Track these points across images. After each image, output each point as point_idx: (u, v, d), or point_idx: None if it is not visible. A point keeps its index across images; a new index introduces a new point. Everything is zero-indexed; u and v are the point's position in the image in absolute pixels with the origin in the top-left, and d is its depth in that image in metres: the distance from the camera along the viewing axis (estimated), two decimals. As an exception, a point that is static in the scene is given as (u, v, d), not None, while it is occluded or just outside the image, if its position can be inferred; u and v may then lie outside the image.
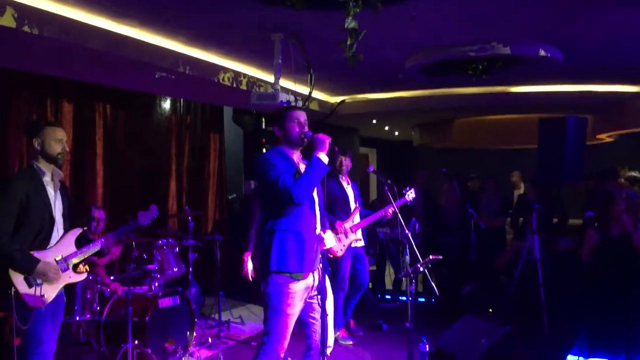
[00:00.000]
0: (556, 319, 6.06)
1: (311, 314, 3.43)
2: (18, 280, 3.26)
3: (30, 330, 3.29)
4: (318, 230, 3.45)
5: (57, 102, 5.95)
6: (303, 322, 3.44)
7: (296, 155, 3.45)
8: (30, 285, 3.28)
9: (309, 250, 3.33)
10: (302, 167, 3.41)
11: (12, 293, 3.23)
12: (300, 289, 3.31)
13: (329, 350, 3.44)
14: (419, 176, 7.50)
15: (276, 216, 3.31)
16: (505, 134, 10.31)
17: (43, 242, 3.37)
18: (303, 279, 3.32)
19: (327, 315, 3.44)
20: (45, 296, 3.35)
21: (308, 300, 3.40)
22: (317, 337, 3.42)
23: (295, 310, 3.31)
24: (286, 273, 3.26)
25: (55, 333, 3.48)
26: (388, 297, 7.61)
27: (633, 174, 7.08)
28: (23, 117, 5.61)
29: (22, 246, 3.29)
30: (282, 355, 3.32)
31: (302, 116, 3.44)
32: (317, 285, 3.42)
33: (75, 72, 5.59)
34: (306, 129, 3.42)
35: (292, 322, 3.31)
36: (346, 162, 5.78)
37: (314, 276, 3.40)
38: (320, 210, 3.49)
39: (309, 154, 3.36)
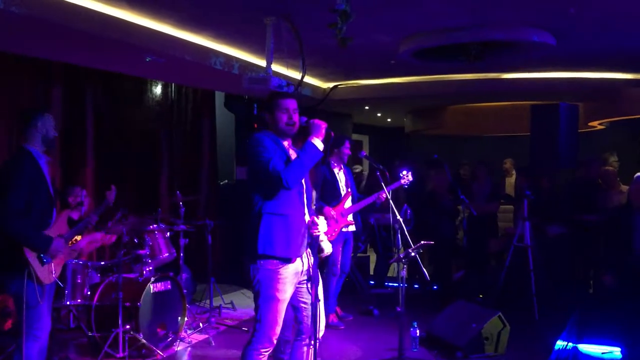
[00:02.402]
0: (546, 304, 6.10)
1: (301, 299, 3.43)
2: (32, 258, 3.46)
3: (34, 307, 3.47)
4: (306, 216, 3.44)
5: (47, 86, 5.89)
6: (294, 308, 3.45)
7: (287, 142, 3.43)
8: (42, 263, 3.51)
9: (296, 234, 3.32)
10: (292, 153, 3.40)
11: (30, 271, 3.43)
12: (290, 274, 3.30)
13: (320, 334, 3.45)
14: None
15: (264, 199, 3.29)
16: (498, 121, 10.31)
17: (46, 222, 3.59)
18: (291, 263, 3.31)
19: (319, 301, 3.45)
20: (54, 272, 3.60)
21: (298, 285, 3.40)
22: (308, 321, 3.42)
23: (286, 295, 3.31)
24: (273, 257, 3.25)
25: (50, 310, 3.68)
26: (372, 282, 7.63)
27: None
28: (12, 100, 5.54)
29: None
30: (275, 340, 3.32)
31: (292, 104, 3.40)
32: (307, 270, 3.42)
33: (64, 54, 5.52)
34: (296, 116, 3.38)
35: (283, 308, 3.31)
36: (347, 151, 5.78)
37: (302, 261, 3.40)
38: (307, 195, 3.48)
39: (303, 140, 3.33)
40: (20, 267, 3.43)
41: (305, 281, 3.42)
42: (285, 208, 3.29)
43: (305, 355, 3.47)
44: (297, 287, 3.40)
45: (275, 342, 3.32)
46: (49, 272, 3.55)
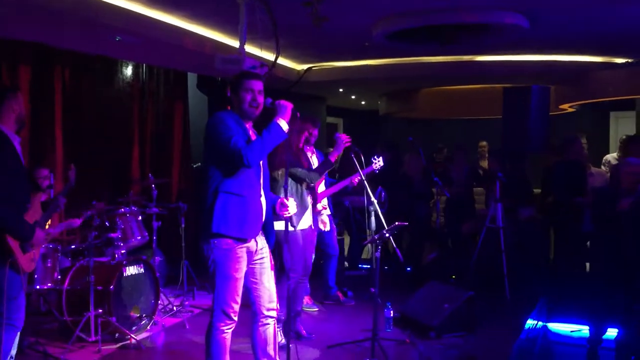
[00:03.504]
0: (516, 285, 6.21)
1: (252, 279, 3.43)
2: (15, 247, 3.32)
3: (16, 298, 3.35)
4: (262, 197, 3.45)
5: (14, 66, 5.72)
6: (246, 288, 3.43)
7: (248, 125, 3.41)
8: (24, 251, 3.38)
9: (252, 215, 3.34)
10: (253, 136, 3.39)
11: (12, 260, 3.30)
12: (244, 253, 3.33)
13: (274, 313, 3.47)
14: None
15: (222, 178, 3.28)
16: (471, 104, 10.37)
17: (25, 207, 3.44)
18: (245, 243, 3.32)
19: (288, 280, 3.46)
20: (35, 259, 3.50)
21: (250, 265, 3.41)
22: (260, 301, 3.44)
23: (241, 274, 3.33)
24: (227, 236, 3.25)
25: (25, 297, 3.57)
26: (345, 264, 7.67)
27: None
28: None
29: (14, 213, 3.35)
30: (234, 316, 3.34)
31: (257, 85, 3.37)
32: (261, 249, 3.44)
33: (32, 34, 5.37)
34: (260, 98, 3.36)
35: (240, 285, 3.33)
36: (315, 133, 5.72)
37: (256, 240, 3.41)
38: (265, 177, 3.49)
39: (268, 122, 3.31)
40: (3, 256, 3.29)
41: (258, 260, 3.43)
42: (242, 188, 3.30)
43: (268, 334, 3.47)
44: (249, 267, 3.40)
45: (235, 318, 3.34)
46: (30, 260, 3.44)
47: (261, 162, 3.43)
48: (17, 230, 3.32)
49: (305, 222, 4.68)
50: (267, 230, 3.52)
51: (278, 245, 3.95)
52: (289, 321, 3.64)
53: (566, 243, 6.70)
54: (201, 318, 5.59)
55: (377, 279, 4.45)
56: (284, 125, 3.28)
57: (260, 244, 3.45)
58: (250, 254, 3.38)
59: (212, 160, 3.34)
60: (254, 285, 3.44)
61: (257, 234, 3.42)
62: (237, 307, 3.33)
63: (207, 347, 3.34)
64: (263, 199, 3.47)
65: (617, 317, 4.83)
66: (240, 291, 3.34)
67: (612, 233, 4.87)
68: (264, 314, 3.44)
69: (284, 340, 4.60)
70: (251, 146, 3.20)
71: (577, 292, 5.92)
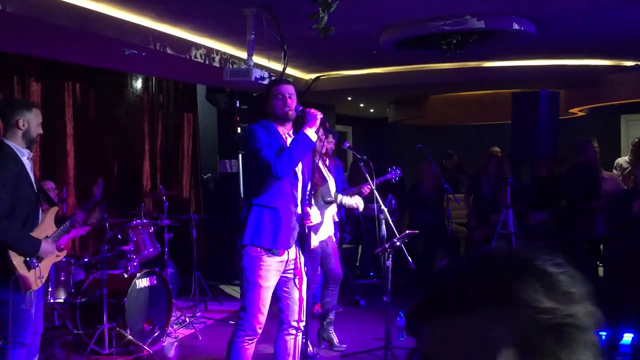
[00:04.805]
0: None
1: (284, 289, 3.44)
2: (19, 263, 3.25)
3: (21, 316, 3.29)
4: (298, 208, 3.43)
5: (24, 81, 5.79)
6: (276, 297, 3.45)
7: (284, 130, 3.41)
8: (29, 268, 3.30)
9: (285, 227, 3.32)
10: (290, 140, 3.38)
11: (16, 278, 3.23)
12: (274, 262, 3.32)
13: (301, 325, 3.46)
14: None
15: (255, 190, 3.30)
16: (480, 109, 10.35)
17: (33, 223, 3.37)
18: (278, 255, 3.31)
19: (307, 290, 3.46)
20: (43, 276, 3.41)
21: (282, 274, 3.40)
22: (289, 311, 3.44)
23: (269, 283, 3.32)
24: (259, 247, 3.26)
25: (41, 312, 3.53)
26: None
27: None
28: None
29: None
30: (259, 330, 3.32)
31: (287, 90, 3.39)
32: (294, 260, 3.42)
33: (42, 49, 5.43)
34: (291, 103, 3.37)
35: (267, 296, 3.32)
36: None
37: (288, 251, 3.40)
38: (303, 188, 3.47)
39: (297, 130, 3.33)
40: (6, 274, 3.21)
41: (290, 271, 3.43)
42: (275, 200, 3.30)
43: (290, 345, 3.47)
44: (281, 277, 3.40)
45: (259, 331, 3.34)
46: (37, 277, 3.36)
47: (300, 172, 3.43)
48: (19, 246, 3.25)
49: (323, 234, 4.70)
50: (303, 240, 3.50)
51: None
52: (306, 331, 3.61)
53: (578, 247, 6.65)
54: (214, 329, 5.60)
55: (388, 287, 4.45)
56: (311, 134, 3.27)
57: (293, 254, 3.44)
58: (282, 263, 3.37)
59: (247, 173, 3.38)
60: (285, 295, 3.44)
61: (290, 246, 3.39)
62: (262, 319, 3.32)
63: (228, 356, 3.32)
64: (299, 210, 3.44)
65: (632, 321, 4.79)
66: (267, 302, 3.32)
67: (627, 237, 4.84)
68: (290, 324, 3.45)
69: (312, 350, 4.62)
70: (280, 158, 3.19)
71: (591, 297, 5.85)
